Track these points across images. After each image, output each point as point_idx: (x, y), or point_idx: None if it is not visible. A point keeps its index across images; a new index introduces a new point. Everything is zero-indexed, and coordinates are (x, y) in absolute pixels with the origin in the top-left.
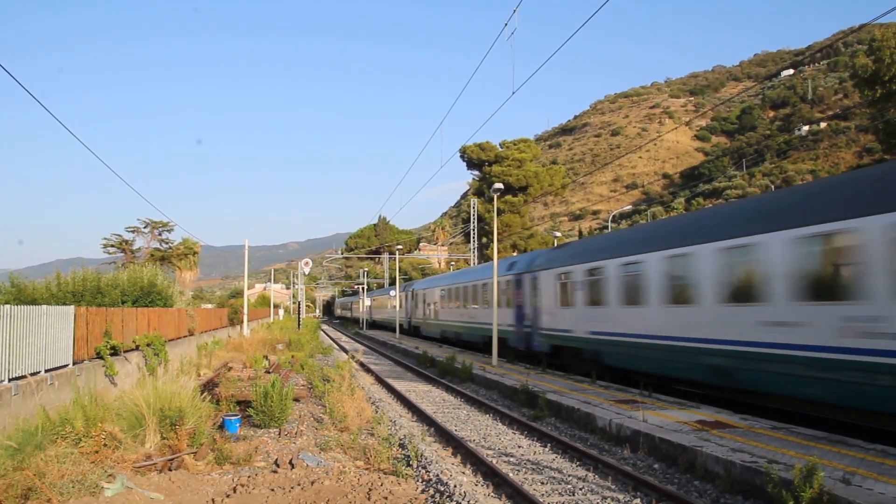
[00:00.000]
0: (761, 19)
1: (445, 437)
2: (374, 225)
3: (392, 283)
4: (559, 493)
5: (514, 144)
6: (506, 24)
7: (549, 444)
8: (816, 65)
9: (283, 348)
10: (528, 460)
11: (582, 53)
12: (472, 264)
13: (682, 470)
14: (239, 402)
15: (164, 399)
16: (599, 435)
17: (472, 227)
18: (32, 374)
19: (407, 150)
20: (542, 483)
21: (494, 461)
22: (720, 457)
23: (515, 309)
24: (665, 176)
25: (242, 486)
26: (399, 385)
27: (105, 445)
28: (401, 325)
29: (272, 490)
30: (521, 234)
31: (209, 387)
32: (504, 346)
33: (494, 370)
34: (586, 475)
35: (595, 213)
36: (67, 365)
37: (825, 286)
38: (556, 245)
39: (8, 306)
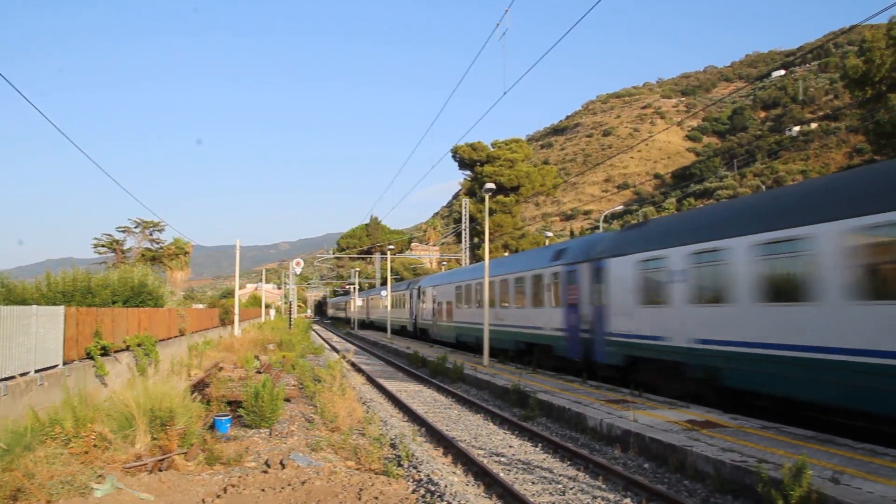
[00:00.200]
0: (753, 20)
1: (436, 437)
2: (366, 225)
3: (384, 282)
4: (550, 493)
5: (506, 144)
6: (497, 25)
7: (539, 444)
8: (807, 66)
9: (274, 348)
10: (519, 460)
11: (574, 54)
12: (463, 264)
13: (673, 469)
14: (230, 403)
15: (154, 399)
16: (590, 434)
17: (463, 227)
18: (22, 375)
19: (399, 151)
20: (533, 483)
21: (485, 461)
22: (710, 456)
23: (566, 309)
24: (656, 176)
25: (233, 486)
26: (390, 385)
27: (95, 446)
28: (404, 328)
29: (263, 490)
30: (512, 234)
31: (200, 387)
32: (548, 355)
33: (486, 370)
34: (577, 475)
35: (587, 213)
36: (57, 365)
37: None
38: (558, 240)
39: None
